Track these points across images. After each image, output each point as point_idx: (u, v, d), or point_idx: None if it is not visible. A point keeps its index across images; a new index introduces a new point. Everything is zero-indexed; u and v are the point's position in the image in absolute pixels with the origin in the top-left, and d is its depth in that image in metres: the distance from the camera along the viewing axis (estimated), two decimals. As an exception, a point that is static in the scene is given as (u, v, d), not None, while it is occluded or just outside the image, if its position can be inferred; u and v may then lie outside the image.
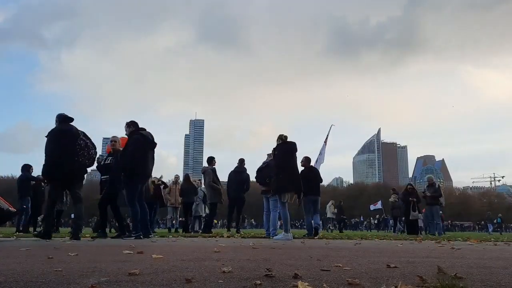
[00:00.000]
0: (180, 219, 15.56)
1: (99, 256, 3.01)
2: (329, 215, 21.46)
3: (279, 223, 9.39)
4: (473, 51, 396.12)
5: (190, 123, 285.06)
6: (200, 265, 2.36)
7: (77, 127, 6.14)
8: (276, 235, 7.68)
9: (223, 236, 7.84)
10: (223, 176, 11.34)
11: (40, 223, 12.23)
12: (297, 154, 7.48)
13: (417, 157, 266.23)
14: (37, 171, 10.95)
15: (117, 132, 9.26)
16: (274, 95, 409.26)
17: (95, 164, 7.15)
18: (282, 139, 7.30)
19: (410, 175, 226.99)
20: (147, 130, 6.72)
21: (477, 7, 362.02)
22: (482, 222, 45.90)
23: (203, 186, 11.55)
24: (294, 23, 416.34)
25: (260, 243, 5.19)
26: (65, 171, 5.84)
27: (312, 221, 9.44)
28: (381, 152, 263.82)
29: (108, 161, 7.08)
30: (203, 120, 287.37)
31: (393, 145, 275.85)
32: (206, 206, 11.94)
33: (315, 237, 8.35)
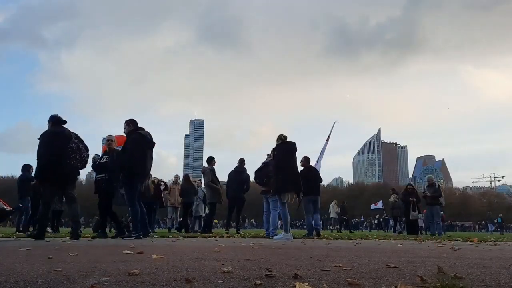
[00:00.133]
0: (181, 219, 15.53)
1: (99, 256, 3.01)
2: (332, 215, 21.46)
3: (279, 223, 9.40)
4: (473, 51, 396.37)
5: (190, 123, 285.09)
6: (200, 265, 2.36)
7: (69, 129, 6.16)
8: (276, 234, 7.69)
9: (223, 236, 7.84)
10: (223, 176, 11.35)
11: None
12: (297, 154, 7.49)
13: (417, 157, 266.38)
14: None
15: (117, 132, 9.31)
16: (274, 95, 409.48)
17: (91, 163, 7.20)
18: (281, 139, 7.30)
19: (410, 175, 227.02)
20: (145, 130, 6.73)
21: (477, 7, 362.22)
22: (483, 222, 45.90)
23: (203, 186, 11.55)
24: (294, 23, 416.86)
25: (260, 243, 5.19)
26: (58, 173, 5.86)
27: (313, 222, 9.48)
28: (381, 152, 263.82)
29: (104, 160, 7.05)
30: (203, 120, 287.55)
31: (393, 145, 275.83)
32: (206, 206, 11.94)
33: (316, 238, 8.35)
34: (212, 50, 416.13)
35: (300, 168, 8.80)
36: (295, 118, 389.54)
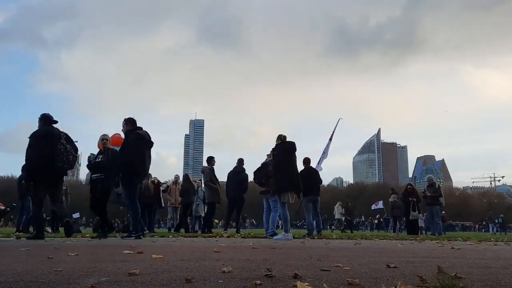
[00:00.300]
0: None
1: (99, 256, 3.01)
2: (337, 216, 21.48)
3: (280, 222, 9.43)
4: (473, 51, 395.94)
5: (190, 123, 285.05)
6: (200, 265, 2.36)
7: (59, 129, 6.16)
8: (276, 234, 7.69)
9: (223, 236, 7.84)
10: (223, 176, 11.35)
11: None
12: (297, 154, 7.48)
13: (417, 157, 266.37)
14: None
15: (117, 132, 9.30)
16: (274, 95, 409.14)
17: (86, 163, 7.21)
18: (281, 139, 7.30)
19: (410, 175, 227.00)
20: (143, 129, 6.72)
21: (477, 7, 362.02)
22: (483, 222, 45.89)
23: (203, 186, 11.55)
24: (294, 23, 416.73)
25: (260, 243, 5.19)
26: (48, 173, 5.87)
27: (314, 222, 9.53)
28: (381, 152, 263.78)
29: (99, 159, 7.03)
30: (203, 120, 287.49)
31: (393, 145, 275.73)
32: (206, 206, 11.93)
33: (316, 237, 8.35)
34: (212, 50, 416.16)
35: (300, 168, 8.82)
36: (295, 118, 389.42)
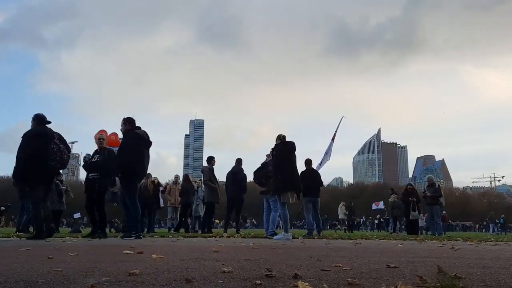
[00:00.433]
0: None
1: (99, 256, 3.01)
2: (340, 216, 21.48)
3: (280, 222, 9.44)
4: (473, 51, 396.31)
5: (190, 123, 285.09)
6: (200, 265, 2.36)
7: (52, 129, 6.17)
8: (276, 234, 7.69)
9: (223, 236, 7.84)
10: (222, 176, 11.34)
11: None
12: (297, 154, 7.49)
13: (417, 157, 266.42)
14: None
15: (116, 131, 9.31)
16: (274, 95, 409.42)
17: (82, 163, 7.21)
18: (280, 139, 7.30)
19: (410, 175, 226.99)
20: (142, 129, 6.72)
21: (477, 7, 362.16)
22: (484, 222, 45.84)
23: (203, 186, 11.55)
24: (294, 23, 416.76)
25: (260, 243, 5.19)
26: (38, 173, 5.89)
27: (314, 223, 9.57)
28: (381, 152, 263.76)
29: (96, 159, 7.01)
30: (203, 120, 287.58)
31: (393, 145, 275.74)
32: (205, 206, 11.93)
33: (316, 237, 8.36)
34: (212, 50, 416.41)
35: (300, 168, 8.84)
36: (295, 118, 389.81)
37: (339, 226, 22.20)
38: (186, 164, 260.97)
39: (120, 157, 6.54)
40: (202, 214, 12.07)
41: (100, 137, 7.25)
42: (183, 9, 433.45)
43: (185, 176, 12.52)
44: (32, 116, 6.21)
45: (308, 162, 9.89)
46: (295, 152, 7.36)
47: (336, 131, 14.50)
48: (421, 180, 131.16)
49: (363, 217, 48.80)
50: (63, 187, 11.74)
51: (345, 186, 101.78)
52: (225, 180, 10.78)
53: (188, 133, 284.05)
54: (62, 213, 12.31)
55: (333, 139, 14.14)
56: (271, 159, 7.78)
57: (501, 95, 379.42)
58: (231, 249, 3.91)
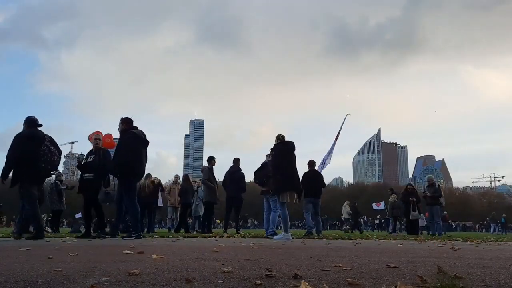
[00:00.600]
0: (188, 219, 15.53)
1: (99, 256, 3.01)
2: (344, 215, 21.46)
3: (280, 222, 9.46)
4: (473, 51, 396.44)
5: (190, 123, 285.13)
6: (200, 265, 2.36)
7: (43, 132, 6.20)
8: (276, 234, 7.69)
9: (223, 236, 7.84)
10: (221, 176, 11.33)
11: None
12: (297, 154, 7.48)
13: (417, 157, 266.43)
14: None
15: (116, 132, 9.26)
16: (274, 95, 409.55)
17: (77, 163, 7.21)
18: (279, 139, 7.29)
19: (410, 175, 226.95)
20: (139, 129, 6.72)
21: (477, 7, 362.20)
22: (485, 222, 45.83)
23: (202, 185, 11.54)
24: (294, 23, 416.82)
25: (260, 243, 5.19)
26: (28, 174, 5.92)
27: (315, 226, 9.62)
28: (381, 152, 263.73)
29: (91, 159, 6.99)
30: (203, 120, 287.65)
31: (393, 145, 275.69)
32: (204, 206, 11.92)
33: (316, 237, 8.36)
34: (212, 50, 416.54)
35: (300, 169, 8.86)
36: (295, 118, 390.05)
37: (347, 226, 22.11)
38: (186, 164, 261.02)
39: (118, 157, 6.53)
40: (202, 214, 12.07)
41: (96, 137, 7.24)
42: (183, 9, 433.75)
43: (185, 176, 12.51)
44: (24, 119, 6.25)
45: (311, 164, 10.06)
46: (295, 152, 7.35)
47: (340, 130, 14.29)
48: (421, 180, 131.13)
49: (365, 217, 48.81)
50: (63, 187, 11.75)
51: (345, 186, 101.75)
52: (223, 180, 10.77)
53: (188, 133, 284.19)
54: (62, 213, 12.32)
55: (336, 138, 13.94)
56: (270, 159, 7.78)
57: (501, 95, 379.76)
58: (231, 249, 3.91)
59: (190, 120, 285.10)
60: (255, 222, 50.50)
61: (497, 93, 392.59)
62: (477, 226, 52.44)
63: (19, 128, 6.32)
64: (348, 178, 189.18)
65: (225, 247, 4.22)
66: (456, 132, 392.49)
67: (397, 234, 14.08)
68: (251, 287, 1.65)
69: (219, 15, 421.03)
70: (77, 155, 7.46)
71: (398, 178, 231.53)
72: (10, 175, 5.98)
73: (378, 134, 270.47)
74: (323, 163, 12.79)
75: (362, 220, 30.37)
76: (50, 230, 11.71)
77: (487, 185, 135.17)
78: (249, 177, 10.80)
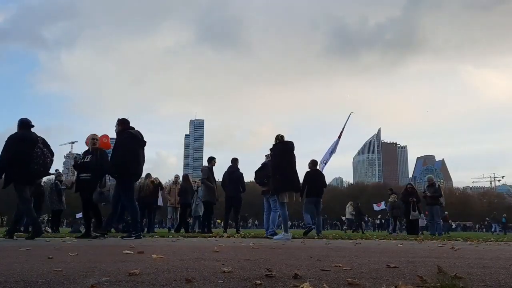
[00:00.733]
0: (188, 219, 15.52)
1: (99, 256, 3.01)
2: (347, 216, 21.45)
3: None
4: (473, 51, 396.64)
5: (190, 123, 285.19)
6: (200, 265, 2.36)
7: (36, 134, 6.20)
8: (276, 234, 7.69)
9: (223, 236, 7.84)
10: (221, 176, 11.34)
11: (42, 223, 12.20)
12: (297, 154, 7.47)
13: (417, 157, 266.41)
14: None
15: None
16: (274, 95, 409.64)
17: (72, 163, 7.20)
18: (278, 139, 7.29)
19: (410, 175, 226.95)
20: (135, 129, 6.71)
21: (477, 7, 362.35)
22: (485, 223, 45.80)
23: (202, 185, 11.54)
24: (294, 23, 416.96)
25: (260, 243, 5.19)
26: (20, 175, 5.93)
27: (314, 221, 9.65)
28: (381, 152, 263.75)
29: (88, 159, 6.96)
30: (203, 120, 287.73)
31: (393, 145, 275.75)
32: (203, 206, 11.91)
33: (316, 237, 8.36)
34: (212, 50, 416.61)
35: (301, 168, 8.87)
36: (295, 118, 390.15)
37: (346, 226, 22.07)
38: (186, 164, 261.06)
39: (115, 157, 6.52)
40: (201, 214, 12.07)
41: (94, 137, 7.22)
42: (183, 9, 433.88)
43: (185, 176, 12.51)
44: (18, 121, 6.26)
45: (313, 163, 10.09)
46: (294, 152, 7.35)
47: (343, 128, 13.81)
48: (421, 180, 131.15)
49: (366, 216, 48.81)
50: (63, 187, 11.75)
51: (345, 186, 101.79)
52: (222, 181, 10.78)
53: (188, 133, 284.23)
54: (62, 212, 12.32)
55: (339, 136, 13.61)
56: (270, 160, 7.77)
57: (501, 95, 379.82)
58: (231, 249, 3.91)
59: (190, 120, 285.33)
60: (256, 222, 50.50)
61: (497, 93, 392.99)
62: (477, 226, 52.44)
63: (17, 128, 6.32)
64: (348, 178, 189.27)
65: (225, 247, 4.22)
66: (456, 132, 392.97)
67: (397, 234, 14.07)
68: (251, 287, 1.65)
69: (219, 15, 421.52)
70: (76, 155, 7.45)
71: (398, 178, 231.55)
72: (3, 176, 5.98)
73: (378, 134, 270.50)
74: (325, 162, 12.65)
75: (366, 220, 30.41)
76: (50, 230, 11.71)
77: (487, 185, 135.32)
78: (248, 177, 10.81)
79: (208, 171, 10.48)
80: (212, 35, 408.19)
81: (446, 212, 28.15)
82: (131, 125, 6.79)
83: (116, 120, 6.77)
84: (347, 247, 4.68)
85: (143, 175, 11.74)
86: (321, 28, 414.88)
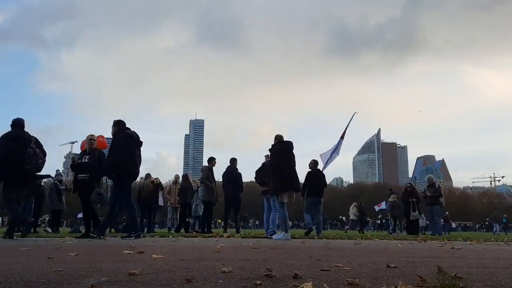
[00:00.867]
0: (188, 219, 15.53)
1: (99, 256, 3.01)
2: (351, 216, 21.46)
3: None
4: (473, 51, 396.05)
5: (190, 123, 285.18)
6: (200, 265, 2.36)
7: (29, 133, 6.20)
8: (275, 233, 7.70)
9: (223, 236, 7.84)
10: (219, 177, 11.36)
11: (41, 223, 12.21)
12: (298, 154, 7.47)
13: (417, 157, 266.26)
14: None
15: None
16: (274, 95, 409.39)
17: (70, 163, 7.19)
18: (277, 139, 7.29)
19: (410, 175, 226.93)
20: (131, 130, 6.71)
21: (477, 7, 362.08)
22: (486, 223, 45.81)
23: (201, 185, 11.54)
24: (294, 23, 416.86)
25: (260, 243, 5.19)
26: (12, 174, 5.93)
27: (315, 221, 9.69)
28: (381, 152, 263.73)
29: (86, 160, 6.94)
30: (203, 120, 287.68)
31: (393, 145, 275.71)
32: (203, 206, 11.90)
33: (316, 237, 8.37)
34: (212, 50, 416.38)
35: (301, 168, 8.89)
36: (295, 118, 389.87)
37: (348, 227, 22.04)
38: (186, 164, 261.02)
39: (111, 157, 6.52)
40: (201, 214, 12.07)
41: (91, 138, 7.22)
42: (183, 9, 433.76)
43: (185, 176, 12.51)
44: (11, 122, 6.27)
45: (314, 163, 10.15)
46: (293, 152, 7.35)
47: (346, 128, 13.59)
48: (421, 180, 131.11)
49: (367, 217, 48.78)
50: (63, 187, 11.75)
51: (345, 186, 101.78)
52: (221, 181, 10.79)
53: (188, 133, 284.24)
54: (62, 212, 12.32)
55: (342, 137, 13.39)
56: (269, 160, 7.78)
57: (501, 95, 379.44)
58: (231, 249, 3.91)
59: (190, 120, 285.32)
60: (257, 222, 50.48)
61: (497, 93, 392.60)
62: (477, 226, 52.44)
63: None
64: (348, 178, 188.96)
65: (225, 247, 4.22)
66: (456, 132, 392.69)
67: (397, 234, 14.08)
68: (251, 287, 1.65)
69: (219, 15, 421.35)
70: (73, 155, 7.45)
71: (398, 178, 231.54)
72: None
73: (378, 134, 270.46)
74: (326, 161, 12.55)
75: (369, 220, 30.42)
76: (50, 230, 11.71)
77: (487, 185, 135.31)
78: (248, 176, 10.83)
79: (208, 171, 10.49)
80: (212, 35, 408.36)
81: (447, 212, 28.14)
82: (130, 125, 6.80)
83: (112, 122, 6.79)
84: (347, 247, 4.68)
85: (143, 175, 11.78)
86: (321, 28, 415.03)
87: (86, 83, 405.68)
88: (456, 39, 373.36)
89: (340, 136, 13.29)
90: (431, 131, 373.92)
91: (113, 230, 11.70)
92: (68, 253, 3.07)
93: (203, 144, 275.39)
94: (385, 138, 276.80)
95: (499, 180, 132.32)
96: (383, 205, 30.86)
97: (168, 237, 7.76)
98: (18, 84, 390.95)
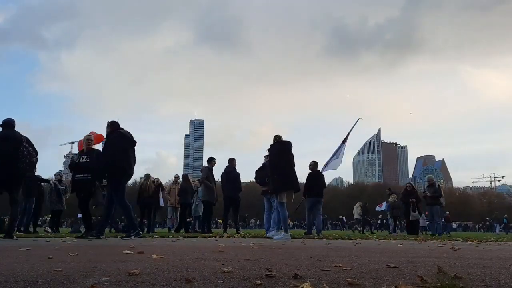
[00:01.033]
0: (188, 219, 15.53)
1: (99, 256, 3.01)
2: (356, 216, 21.46)
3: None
4: (473, 51, 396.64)
5: (190, 123, 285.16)
6: (200, 265, 2.36)
7: (20, 133, 6.20)
8: (274, 231, 7.70)
9: (223, 236, 7.84)
10: (219, 177, 11.36)
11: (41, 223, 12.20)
12: (298, 154, 7.48)
13: (417, 157, 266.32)
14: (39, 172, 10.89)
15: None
16: (274, 95, 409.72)
17: (69, 162, 7.19)
18: (276, 139, 7.29)
19: (410, 175, 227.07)
20: (125, 130, 6.71)
21: (477, 7, 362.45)
22: (487, 223, 45.80)
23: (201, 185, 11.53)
24: (294, 24, 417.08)
25: (260, 243, 5.19)
26: (6, 174, 5.93)
27: (315, 221, 9.72)
28: (381, 152, 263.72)
29: (84, 160, 6.90)
30: (203, 120, 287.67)
31: (393, 145, 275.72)
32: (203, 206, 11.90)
33: (316, 237, 8.37)
34: (212, 51, 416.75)
35: (301, 168, 8.90)
36: (295, 118, 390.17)
37: (356, 226, 22.00)
38: (186, 164, 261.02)
39: (105, 157, 6.52)
40: (201, 213, 12.07)
41: (88, 138, 7.21)
42: (183, 9, 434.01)
43: (185, 176, 12.51)
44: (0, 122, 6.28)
45: (314, 164, 10.23)
46: (292, 152, 7.35)
47: (349, 133, 13.37)
48: (421, 180, 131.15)
49: (368, 216, 48.72)
50: (62, 187, 11.75)
51: (345, 186, 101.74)
52: (220, 181, 10.79)
53: (188, 133, 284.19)
54: (62, 213, 12.32)
55: (344, 141, 12.95)
56: (268, 160, 7.77)
57: (501, 95, 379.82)
58: (231, 249, 3.91)
59: (190, 120, 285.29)
60: (258, 222, 50.44)
61: (497, 93, 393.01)
62: (477, 226, 52.43)
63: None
64: (348, 178, 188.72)
65: (225, 247, 4.22)
66: (456, 132, 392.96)
67: (397, 234, 14.07)
68: (251, 287, 1.65)
69: (219, 15, 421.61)
70: (72, 155, 7.46)
71: (398, 178, 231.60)
72: None
73: (378, 134, 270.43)
74: (327, 166, 12.47)
75: (372, 220, 30.40)
76: (50, 230, 11.71)
77: (487, 185, 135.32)
78: (248, 176, 10.84)
79: (208, 171, 10.49)
80: (212, 35, 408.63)
81: (447, 212, 28.12)
82: (130, 126, 6.84)
83: (106, 123, 6.80)
84: (347, 247, 4.68)
85: (143, 175, 11.79)
86: (321, 28, 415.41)
87: (86, 83, 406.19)
88: (455, 39, 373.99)
89: (341, 140, 13.16)
90: (431, 131, 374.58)
91: (113, 230, 11.70)
92: (68, 253, 3.07)
93: (203, 144, 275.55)
94: (385, 138, 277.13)
95: (499, 180, 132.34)
96: (383, 206, 30.89)
97: (168, 237, 7.76)
98: (18, 84, 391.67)
